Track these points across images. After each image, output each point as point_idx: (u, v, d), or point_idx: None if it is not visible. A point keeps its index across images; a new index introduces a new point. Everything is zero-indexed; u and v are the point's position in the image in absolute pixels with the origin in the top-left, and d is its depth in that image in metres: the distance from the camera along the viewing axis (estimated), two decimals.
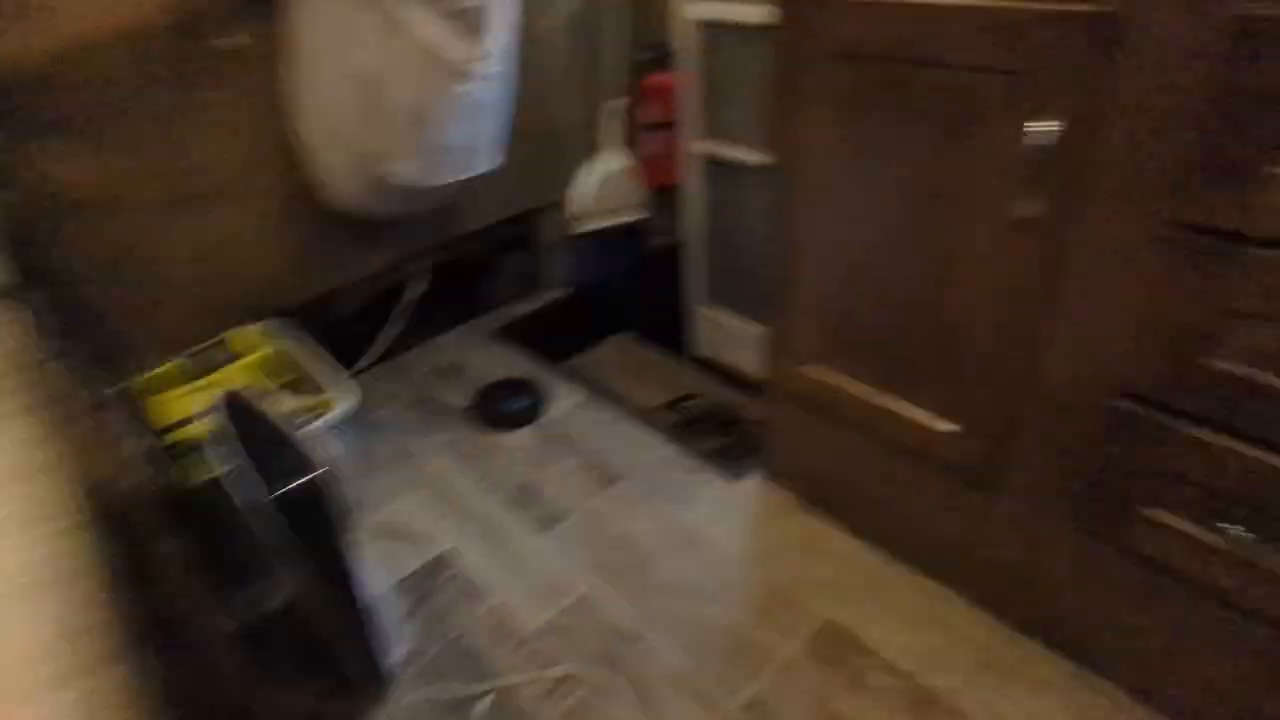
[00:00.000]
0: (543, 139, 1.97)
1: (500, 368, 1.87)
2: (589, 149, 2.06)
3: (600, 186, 2.06)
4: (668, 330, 2.36)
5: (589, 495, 1.46)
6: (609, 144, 2.05)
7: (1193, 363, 0.78)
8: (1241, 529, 0.81)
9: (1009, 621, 1.14)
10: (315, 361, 1.47)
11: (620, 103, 2.00)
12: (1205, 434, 0.80)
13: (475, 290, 2.19)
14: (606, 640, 1.18)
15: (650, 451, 1.56)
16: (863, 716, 1.05)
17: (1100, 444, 0.90)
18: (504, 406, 1.71)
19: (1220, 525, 0.82)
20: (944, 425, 1.06)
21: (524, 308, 2.19)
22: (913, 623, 1.16)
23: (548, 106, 1.95)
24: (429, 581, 1.30)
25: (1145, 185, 0.77)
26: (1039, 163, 0.82)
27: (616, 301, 2.30)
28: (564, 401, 1.75)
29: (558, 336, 2.12)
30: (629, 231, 2.22)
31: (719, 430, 1.83)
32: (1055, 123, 0.79)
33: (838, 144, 1.03)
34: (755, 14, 1.41)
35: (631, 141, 2.14)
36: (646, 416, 1.70)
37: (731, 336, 1.99)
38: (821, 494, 1.35)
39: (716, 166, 1.79)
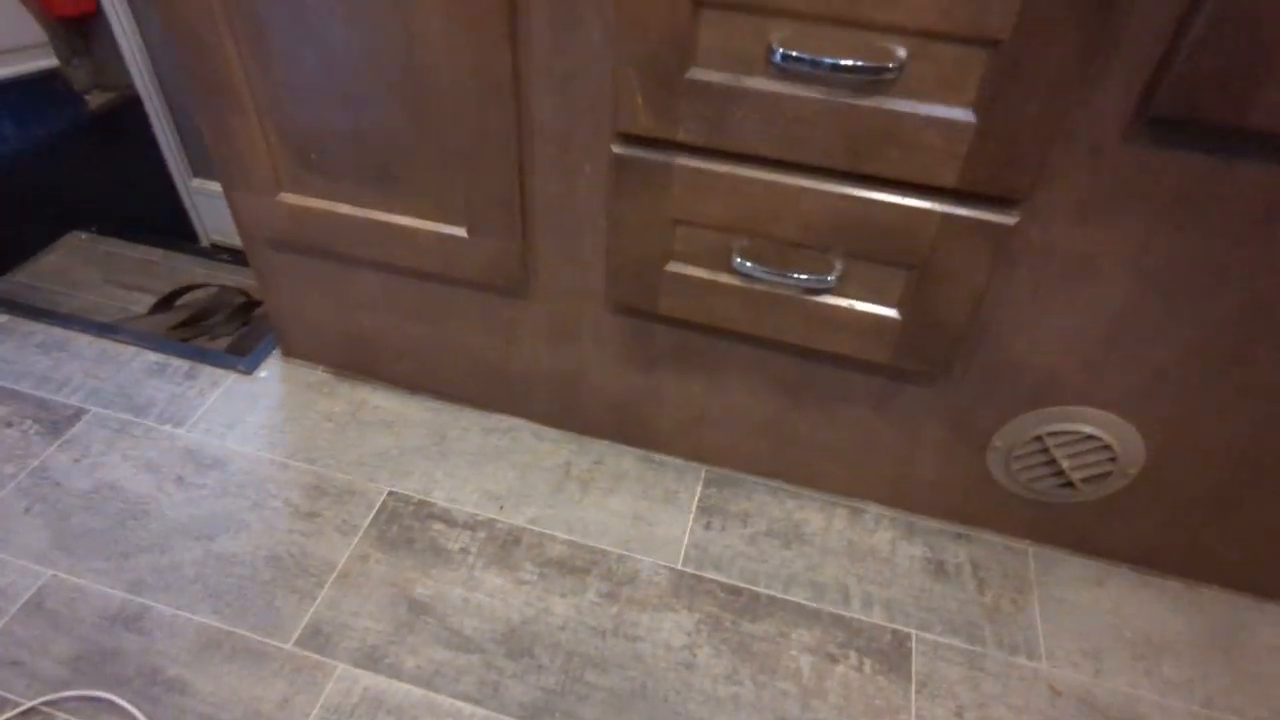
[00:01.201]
0: None
1: None
2: None
3: None
4: (158, 217, 1.81)
5: (29, 452, 1.01)
6: None
7: (676, 80, 0.68)
8: (747, 261, 0.77)
9: (576, 431, 1.07)
10: None
11: None
12: (699, 162, 0.73)
13: None
14: (91, 636, 0.83)
15: (125, 369, 1.14)
16: (448, 589, 0.89)
17: (610, 206, 0.79)
18: None
19: (732, 262, 0.78)
20: (454, 231, 0.87)
21: None
22: (482, 466, 1.02)
23: None
24: None
25: None
26: None
27: (59, 193, 1.67)
28: None
29: None
30: (37, 88, 1.58)
31: (234, 322, 1.45)
32: None
33: None
34: None
35: None
36: (120, 327, 1.24)
37: None
38: (355, 357, 1.11)
39: None
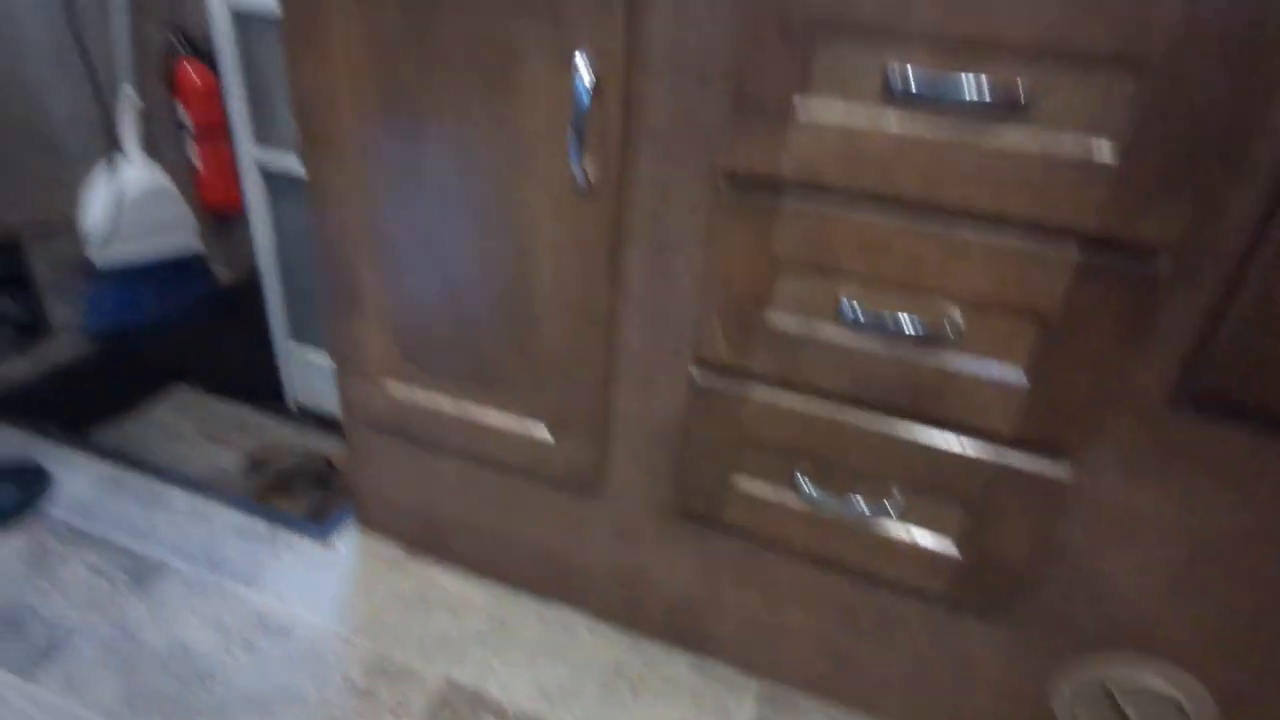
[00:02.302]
0: (18, 135, 1.49)
1: None
2: (100, 153, 1.62)
3: (127, 205, 1.63)
4: (254, 379, 1.98)
5: (113, 602, 1.07)
6: (132, 148, 1.63)
7: (754, 322, 0.77)
8: (810, 485, 0.82)
9: (631, 630, 1.08)
10: None
11: (132, 92, 1.60)
12: (771, 392, 0.80)
13: None
14: None
15: (209, 526, 1.21)
16: None
17: (684, 422, 0.86)
18: None
19: (797, 483, 0.83)
20: (539, 434, 0.95)
21: (20, 368, 1.63)
22: (536, 659, 1.03)
23: (19, 89, 1.48)
24: None
25: (690, 137, 0.74)
26: (585, 115, 0.76)
27: (174, 351, 1.85)
28: (78, 483, 1.30)
29: (77, 401, 1.62)
30: (182, 266, 1.81)
31: (315, 486, 1.54)
32: (590, 69, 0.73)
33: (370, 113, 0.87)
34: None
35: (179, 150, 1.75)
36: (211, 484, 1.34)
37: (329, 378, 1.72)
38: (427, 536, 1.16)
39: (281, 180, 1.52)
